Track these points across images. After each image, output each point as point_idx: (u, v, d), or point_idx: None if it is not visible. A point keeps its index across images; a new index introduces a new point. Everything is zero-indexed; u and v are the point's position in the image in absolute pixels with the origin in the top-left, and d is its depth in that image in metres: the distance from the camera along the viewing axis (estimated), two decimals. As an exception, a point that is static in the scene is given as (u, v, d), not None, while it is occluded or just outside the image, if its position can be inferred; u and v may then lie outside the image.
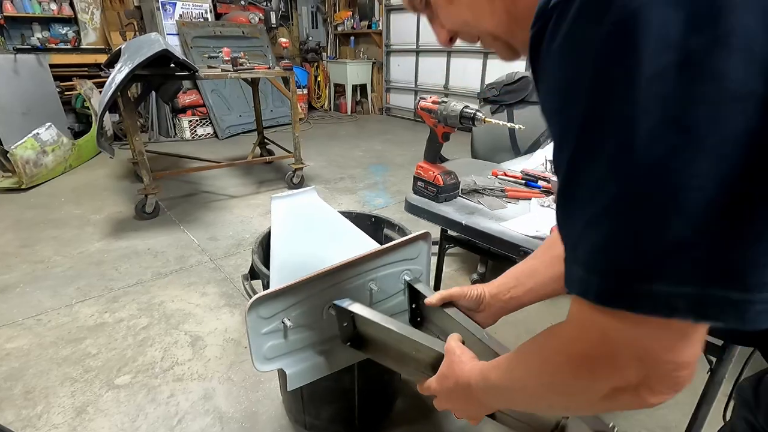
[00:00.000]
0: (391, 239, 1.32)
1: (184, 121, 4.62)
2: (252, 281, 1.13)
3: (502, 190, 1.10)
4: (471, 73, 4.91)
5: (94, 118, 3.89)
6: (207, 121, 4.79)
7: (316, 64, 6.38)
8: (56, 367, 1.44)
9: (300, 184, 3.16)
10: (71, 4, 4.35)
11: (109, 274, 2.01)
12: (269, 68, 2.82)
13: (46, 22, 4.35)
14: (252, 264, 1.10)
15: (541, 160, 1.31)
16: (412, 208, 1.07)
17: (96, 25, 4.54)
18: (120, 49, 2.69)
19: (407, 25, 5.52)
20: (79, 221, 2.59)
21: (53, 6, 4.30)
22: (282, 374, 0.92)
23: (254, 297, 0.76)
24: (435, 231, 1.09)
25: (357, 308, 0.79)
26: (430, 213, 1.02)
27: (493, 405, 0.54)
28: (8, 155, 2.96)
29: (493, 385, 0.49)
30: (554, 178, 1.11)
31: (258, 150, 3.61)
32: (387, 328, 0.71)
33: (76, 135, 4.20)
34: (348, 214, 1.35)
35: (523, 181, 1.17)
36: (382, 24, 5.82)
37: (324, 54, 6.51)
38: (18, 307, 1.76)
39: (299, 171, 3.13)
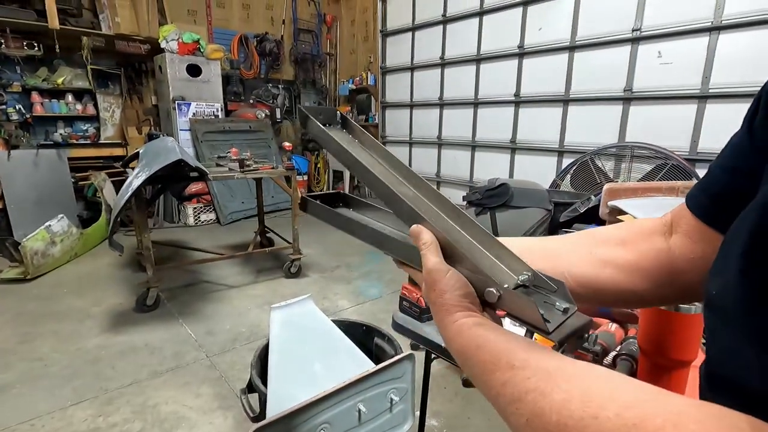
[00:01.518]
0: (382, 348, 1.41)
1: (189, 208, 4.84)
2: (249, 395, 1.19)
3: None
4: (461, 162, 5.27)
5: (104, 208, 4.10)
6: (210, 208, 5.02)
7: (316, 152, 6.83)
8: (45, 480, 1.43)
9: (297, 274, 3.27)
10: (95, 105, 4.79)
11: (105, 373, 2.04)
12: (273, 168, 3.08)
13: (70, 119, 4.75)
14: (250, 379, 1.18)
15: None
16: (398, 327, 1.18)
17: (115, 121, 4.95)
18: (138, 152, 2.96)
19: (401, 118, 6.03)
20: (79, 314, 2.65)
21: (78, 106, 4.73)
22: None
23: (253, 428, 0.84)
24: (420, 346, 1.18)
25: None
26: (414, 333, 1.12)
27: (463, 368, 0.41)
28: (19, 247, 3.09)
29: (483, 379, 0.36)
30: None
31: (258, 238, 3.77)
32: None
33: (84, 222, 4.38)
34: (341, 323, 1.45)
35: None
36: (378, 118, 6.35)
37: (324, 143, 6.98)
38: (13, 410, 1.77)
39: (297, 261, 3.26)
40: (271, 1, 6.23)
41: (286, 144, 3.33)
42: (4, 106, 4.29)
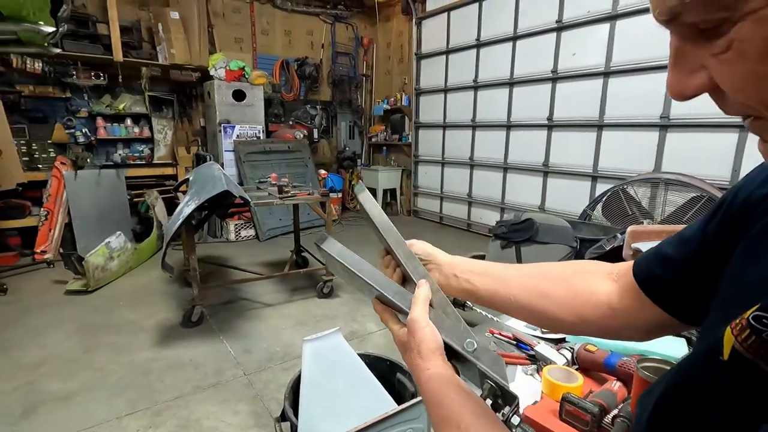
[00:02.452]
0: (404, 384, 1.51)
1: (231, 224, 5.14)
2: (282, 423, 1.33)
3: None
4: (493, 183, 5.30)
5: (155, 224, 4.45)
6: (250, 224, 5.30)
7: (351, 170, 7.04)
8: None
9: (329, 294, 3.43)
10: (150, 128, 5.21)
11: (154, 386, 2.25)
12: (309, 194, 3.26)
13: (128, 141, 5.19)
14: (284, 409, 1.31)
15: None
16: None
17: (167, 142, 5.36)
18: (188, 178, 3.23)
19: (434, 139, 6.14)
20: (133, 327, 2.91)
21: (136, 129, 5.16)
22: None
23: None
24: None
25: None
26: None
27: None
28: (83, 262, 3.42)
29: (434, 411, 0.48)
30: (542, 339, 1.30)
31: (294, 257, 3.97)
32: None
33: (137, 236, 4.77)
34: (367, 357, 1.57)
35: (515, 343, 1.36)
36: (412, 138, 6.49)
37: (359, 161, 7.20)
38: (76, 417, 2.00)
39: (329, 282, 3.42)
40: (311, 27, 6.55)
41: (322, 172, 3.51)
42: (73, 130, 4.77)
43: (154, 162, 5.21)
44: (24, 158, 4.43)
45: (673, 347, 1.08)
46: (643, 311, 0.53)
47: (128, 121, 5.10)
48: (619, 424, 0.89)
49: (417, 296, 0.56)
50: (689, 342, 1.13)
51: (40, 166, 4.55)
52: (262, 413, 2.05)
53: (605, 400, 0.94)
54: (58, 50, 3.79)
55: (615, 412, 0.92)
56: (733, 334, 0.32)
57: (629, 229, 1.90)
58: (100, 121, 4.92)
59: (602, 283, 0.59)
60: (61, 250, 3.98)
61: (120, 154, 5.05)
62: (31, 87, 4.50)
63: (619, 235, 2.20)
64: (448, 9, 5.57)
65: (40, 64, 4.29)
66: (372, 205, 0.64)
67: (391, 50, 6.90)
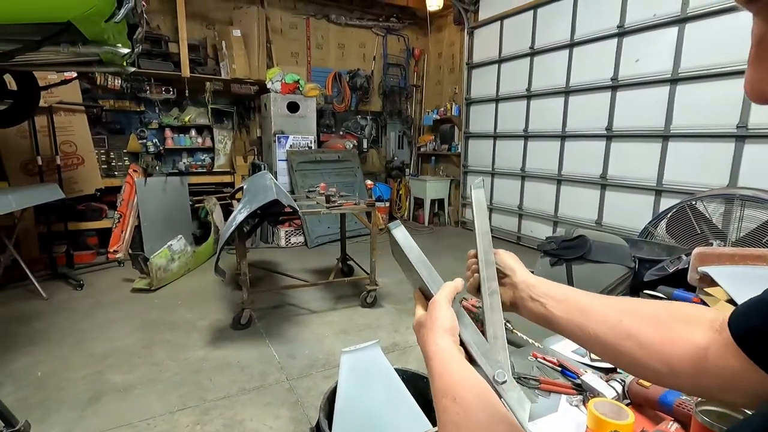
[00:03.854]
0: (440, 403, 1.47)
1: (281, 231, 5.33)
2: (317, 434, 1.34)
3: (536, 379, 1.23)
4: (546, 195, 5.09)
5: (213, 229, 4.72)
6: (299, 231, 5.47)
7: (399, 179, 7.07)
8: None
9: (373, 304, 3.44)
10: (212, 138, 5.56)
11: (204, 385, 2.37)
12: (356, 204, 3.31)
13: (192, 150, 5.57)
14: (318, 421, 1.32)
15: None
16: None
17: (227, 152, 5.68)
18: (242, 187, 3.40)
19: (484, 149, 6.02)
20: (188, 326, 3.09)
21: (199, 139, 5.53)
22: None
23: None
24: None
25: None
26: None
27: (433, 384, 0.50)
28: (148, 262, 3.70)
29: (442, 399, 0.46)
30: (590, 368, 1.22)
31: (339, 265, 4.04)
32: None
33: (197, 239, 5.08)
34: (404, 372, 1.55)
35: (560, 369, 1.28)
36: (461, 148, 6.41)
37: (407, 171, 7.22)
38: (133, 409, 2.15)
39: (373, 292, 3.43)
40: (364, 40, 6.70)
41: (368, 182, 3.55)
42: (145, 140, 5.20)
43: (214, 170, 5.54)
44: (102, 166, 4.89)
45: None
46: (746, 372, 0.42)
47: (193, 132, 5.48)
48: (674, 472, 0.81)
49: (446, 285, 0.57)
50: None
51: (116, 173, 4.99)
52: (301, 419, 2.08)
53: (659, 442, 0.86)
54: (133, 69, 4.15)
55: (670, 456, 0.84)
56: None
57: (696, 250, 1.74)
58: (168, 132, 5.32)
59: (701, 332, 0.49)
60: (130, 251, 4.32)
61: (184, 163, 5.42)
62: (111, 101, 4.98)
63: (684, 257, 2.02)
64: (502, 17, 5.47)
65: (119, 81, 4.74)
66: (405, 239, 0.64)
67: (442, 60, 6.88)
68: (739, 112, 3.28)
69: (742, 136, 3.28)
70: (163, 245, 3.89)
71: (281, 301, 3.60)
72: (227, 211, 4.90)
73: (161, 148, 5.27)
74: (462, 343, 0.54)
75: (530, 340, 1.18)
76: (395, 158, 7.15)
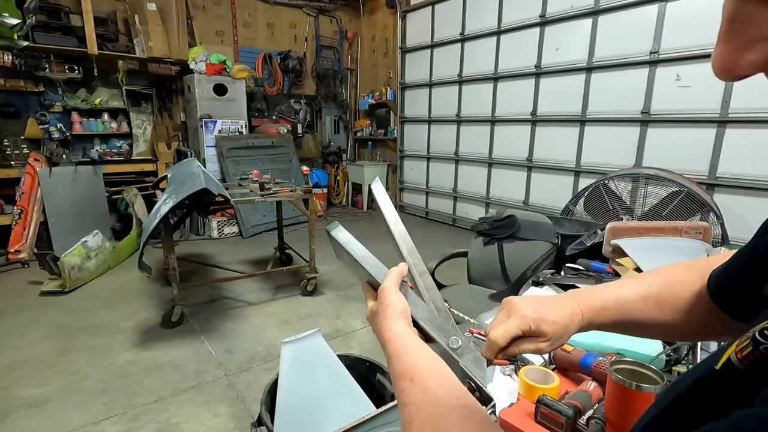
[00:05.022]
0: (383, 385, 1.50)
1: (213, 221, 5.06)
2: (259, 428, 1.30)
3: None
4: (478, 178, 5.31)
5: (135, 222, 4.35)
6: (233, 221, 5.22)
7: (336, 165, 6.98)
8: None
9: (313, 292, 3.40)
10: (128, 123, 5.07)
11: (133, 389, 2.20)
12: (291, 190, 3.22)
13: (106, 137, 5.05)
14: (260, 414, 1.29)
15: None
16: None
17: (147, 138, 5.23)
18: (166, 176, 3.16)
19: (419, 133, 6.12)
20: (111, 328, 2.84)
21: (113, 124, 5.02)
22: None
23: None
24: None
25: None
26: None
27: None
28: (58, 262, 3.33)
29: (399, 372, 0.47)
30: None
31: (277, 254, 3.93)
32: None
33: (117, 234, 4.65)
34: (347, 358, 1.55)
35: (495, 342, 1.36)
36: (397, 132, 6.46)
37: (344, 156, 7.14)
38: (50, 424, 1.94)
39: (313, 280, 3.39)
40: (294, 20, 6.44)
41: (304, 168, 3.46)
42: (46, 126, 4.61)
43: (133, 158, 5.08)
44: (-5, 154, 4.28)
45: (649, 347, 1.09)
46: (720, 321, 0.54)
47: (105, 116, 4.96)
48: (593, 426, 0.89)
49: (391, 271, 0.59)
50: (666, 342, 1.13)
51: (13, 162, 4.40)
52: (243, 415, 2.02)
53: (580, 401, 0.94)
54: (26, 43, 3.65)
55: (590, 413, 0.92)
56: (737, 346, 0.31)
57: (608, 225, 1.91)
58: (75, 116, 4.76)
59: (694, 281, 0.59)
60: (36, 250, 3.86)
61: (97, 150, 4.90)
62: (1, 81, 4.33)
63: (599, 231, 2.21)
64: (433, 2, 5.53)
65: (10, 57, 4.13)
66: (385, 202, 0.70)
67: (376, 44, 6.84)
68: (643, 99, 3.63)
69: (645, 120, 3.64)
70: (77, 242, 3.52)
71: (216, 294, 3.43)
72: (151, 203, 4.52)
73: (68, 134, 4.71)
74: (415, 323, 0.56)
75: (466, 317, 1.23)
76: (331, 143, 7.04)
